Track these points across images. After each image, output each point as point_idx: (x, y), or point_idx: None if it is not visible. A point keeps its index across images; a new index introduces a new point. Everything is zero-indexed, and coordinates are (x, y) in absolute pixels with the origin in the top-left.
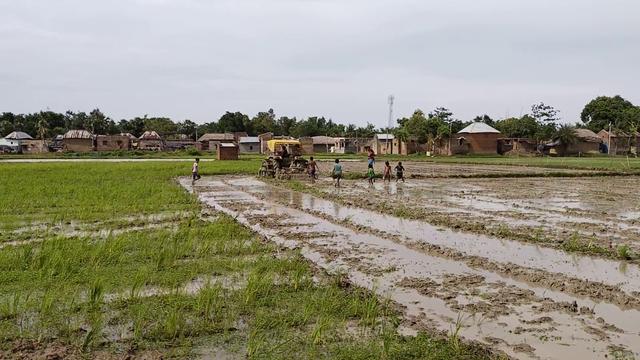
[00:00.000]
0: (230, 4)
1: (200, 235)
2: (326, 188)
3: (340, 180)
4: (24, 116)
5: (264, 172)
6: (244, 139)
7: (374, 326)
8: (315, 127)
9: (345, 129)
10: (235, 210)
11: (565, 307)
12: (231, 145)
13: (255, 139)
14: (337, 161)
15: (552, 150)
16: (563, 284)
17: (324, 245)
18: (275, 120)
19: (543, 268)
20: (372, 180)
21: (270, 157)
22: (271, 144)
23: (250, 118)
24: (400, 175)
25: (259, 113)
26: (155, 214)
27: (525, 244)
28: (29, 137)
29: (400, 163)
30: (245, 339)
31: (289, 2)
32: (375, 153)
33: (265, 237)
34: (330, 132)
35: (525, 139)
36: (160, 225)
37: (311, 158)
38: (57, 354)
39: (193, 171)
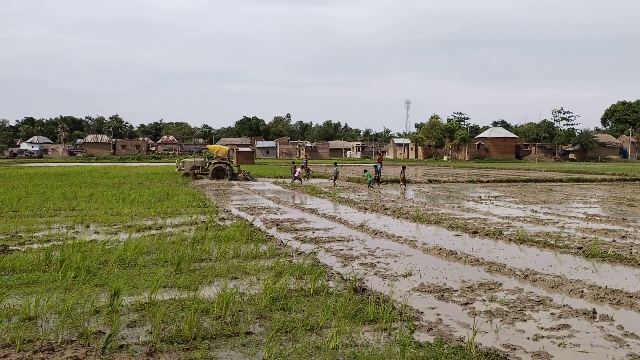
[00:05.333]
0: (248, 9)
1: (217, 239)
2: (343, 192)
3: (336, 181)
4: (44, 120)
5: (215, 175)
6: (261, 144)
7: (390, 331)
8: (332, 131)
9: (361, 133)
10: (252, 214)
11: (584, 314)
12: (248, 149)
13: (271, 144)
14: (335, 164)
15: (571, 155)
16: (582, 291)
17: (340, 249)
18: (291, 125)
19: (562, 274)
20: (370, 184)
21: (220, 162)
22: (221, 149)
23: (267, 122)
24: (378, 180)
25: (275, 117)
26: (172, 218)
27: (544, 250)
28: (50, 141)
29: (375, 166)
30: (261, 342)
31: (307, 7)
32: (392, 158)
33: (282, 242)
34: (347, 137)
35: (544, 143)
36: (178, 228)
37: (305, 163)
38: (76, 356)
39: (295, 175)
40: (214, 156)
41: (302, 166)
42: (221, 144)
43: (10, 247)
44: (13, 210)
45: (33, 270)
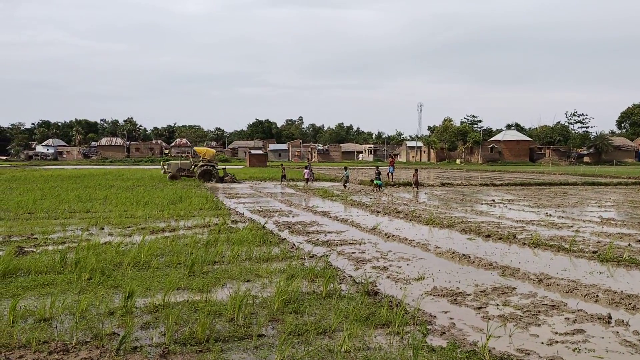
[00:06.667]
0: (261, 13)
1: (229, 242)
2: (354, 195)
3: (347, 184)
4: (59, 123)
5: (202, 177)
6: (273, 146)
7: (402, 335)
8: (344, 134)
9: (373, 136)
10: (264, 217)
11: (599, 319)
12: (260, 152)
13: (283, 146)
14: (345, 169)
15: (586, 159)
16: (597, 295)
17: (353, 252)
18: (303, 128)
19: (576, 279)
20: (379, 187)
21: (207, 164)
22: (208, 152)
23: (279, 125)
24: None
25: (287, 120)
26: (185, 220)
27: (558, 254)
28: (64, 144)
29: (377, 167)
30: (274, 345)
31: (319, 10)
32: (405, 161)
33: (294, 244)
34: (359, 140)
35: (559, 146)
36: (191, 231)
37: (306, 166)
38: (91, 357)
39: (305, 177)
40: (201, 158)
41: (306, 167)
42: (234, 147)
43: (25, 249)
44: (28, 212)
45: (48, 272)
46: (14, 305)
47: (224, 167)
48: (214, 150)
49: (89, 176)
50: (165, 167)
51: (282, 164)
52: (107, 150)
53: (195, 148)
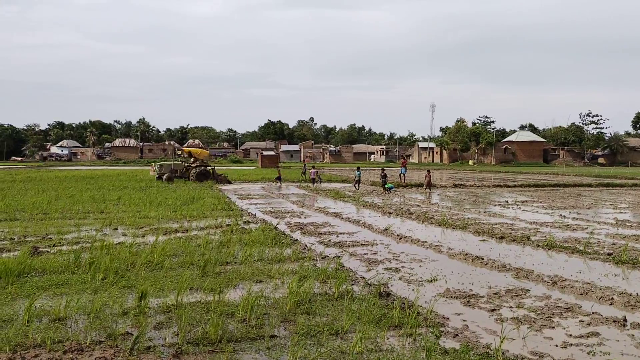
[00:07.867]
0: (271, 14)
1: (242, 243)
2: (366, 197)
3: (359, 185)
4: (74, 125)
5: (197, 179)
6: (285, 147)
7: (415, 337)
8: (356, 135)
9: (385, 137)
10: (276, 218)
11: (614, 321)
12: (272, 153)
13: (295, 147)
14: (357, 169)
15: (600, 160)
16: (612, 298)
17: (365, 254)
18: (315, 129)
19: (591, 281)
20: (389, 190)
21: (202, 165)
22: (202, 152)
23: (291, 126)
24: (383, 185)
25: (299, 121)
26: (198, 221)
27: (573, 256)
28: (79, 145)
29: (383, 169)
30: (286, 346)
31: (330, 11)
32: (417, 162)
33: (306, 245)
34: (371, 141)
35: (573, 147)
36: (204, 232)
37: (313, 166)
38: (105, 357)
39: (312, 177)
40: (193, 159)
41: (312, 167)
42: (246, 148)
43: (40, 249)
44: (43, 212)
45: (63, 272)
46: (29, 305)
47: (213, 167)
48: (208, 151)
49: (103, 177)
50: (157, 168)
51: (277, 167)
52: (121, 151)
53: (188, 148)
